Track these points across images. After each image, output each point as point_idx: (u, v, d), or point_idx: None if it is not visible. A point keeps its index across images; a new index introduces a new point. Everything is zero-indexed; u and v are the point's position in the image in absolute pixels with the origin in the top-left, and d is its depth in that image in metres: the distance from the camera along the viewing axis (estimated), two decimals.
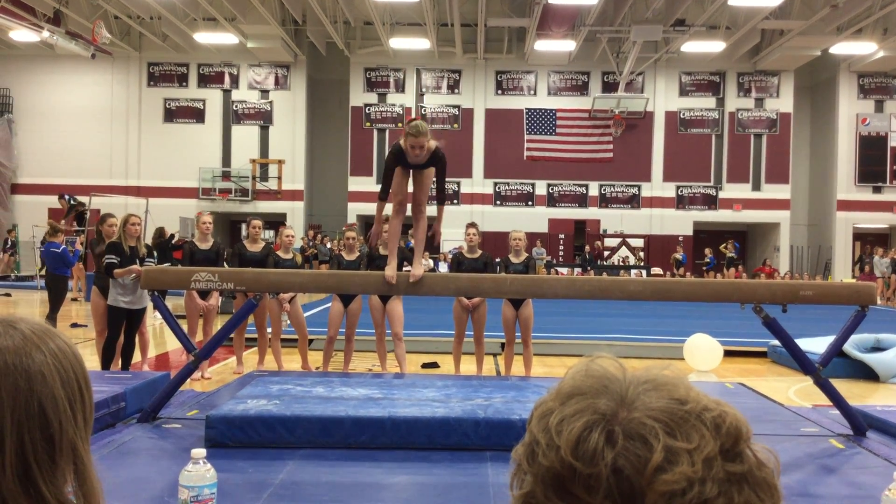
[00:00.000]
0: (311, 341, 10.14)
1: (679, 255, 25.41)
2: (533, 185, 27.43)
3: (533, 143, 27.40)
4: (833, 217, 27.27)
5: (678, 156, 27.30)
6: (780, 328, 5.63)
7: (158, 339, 11.36)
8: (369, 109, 27.52)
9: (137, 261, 7.56)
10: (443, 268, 22.05)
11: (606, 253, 26.86)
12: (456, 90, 27.52)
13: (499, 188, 27.50)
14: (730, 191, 27.43)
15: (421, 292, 6.11)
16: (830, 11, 21.36)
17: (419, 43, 25.08)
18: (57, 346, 0.91)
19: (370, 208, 25.85)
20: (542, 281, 6.45)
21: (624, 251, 27.11)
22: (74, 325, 12.63)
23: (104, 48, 23.24)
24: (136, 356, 8.18)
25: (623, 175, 27.37)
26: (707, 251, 25.50)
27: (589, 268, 24.67)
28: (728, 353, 9.99)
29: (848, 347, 8.80)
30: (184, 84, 27.69)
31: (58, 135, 27.28)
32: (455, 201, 27.33)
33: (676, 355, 9.97)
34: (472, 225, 8.42)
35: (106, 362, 7.65)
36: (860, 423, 5.63)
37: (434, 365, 9.31)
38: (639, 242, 27.27)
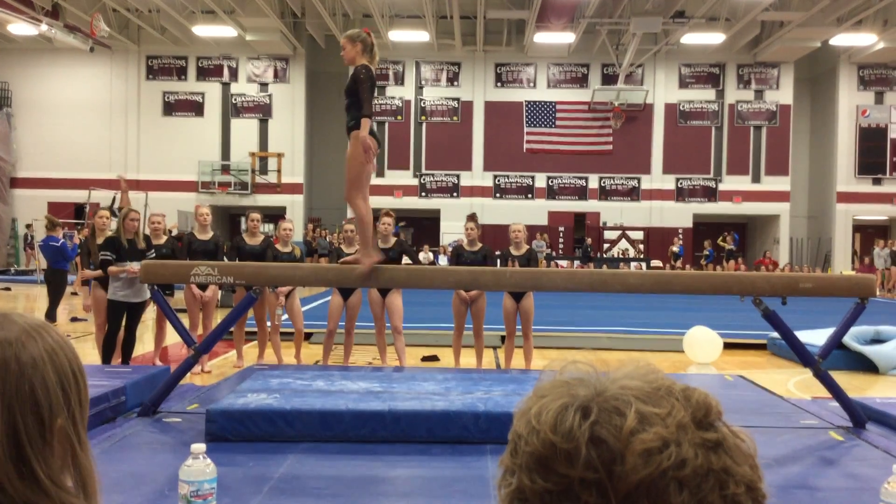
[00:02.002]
0: (310, 335, 10.16)
1: (676, 248, 25.41)
2: (533, 177, 27.42)
3: (532, 135, 27.37)
4: (833, 209, 27.26)
5: (678, 148, 27.27)
6: (779, 320, 5.64)
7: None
8: None
9: (133, 256, 7.53)
10: (442, 261, 22.06)
11: (606, 245, 26.90)
12: (455, 83, 27.47)
13: (498, 181, 27.49)
14: (729, 183, 27.41)
15: (422, 285, 6.11)
16: (830, 3, 21.32)
17: (418, 35, 25.02)
18: (53, 339, 0.94)
19: (370, 201, 25.94)
20: (542, 274, 6.45)
21: (624, 244, 27.13)
22: (74, 320, 12.62)
23: (103, 41, 23.18)
24: (144, 348, 8.18)
25: (623, 167, 27.35)
26: (706, 244, 25.52)
27: (589, 261, 24.69)
28: (728, 346, 10.00)
29: (847, 339, 8.80)
30: (183, 77, 27.64)
31: (56, 128, 27.24)
32: (455, 194, 27.33)
33: (676, 348, 9.98)
34: (472, 218, 8.41)
35: (106, 356, 7.65)
36: (860, 416, 5.63)
37: (434, 358, 9.31)
38: (638, 235, 27.29)
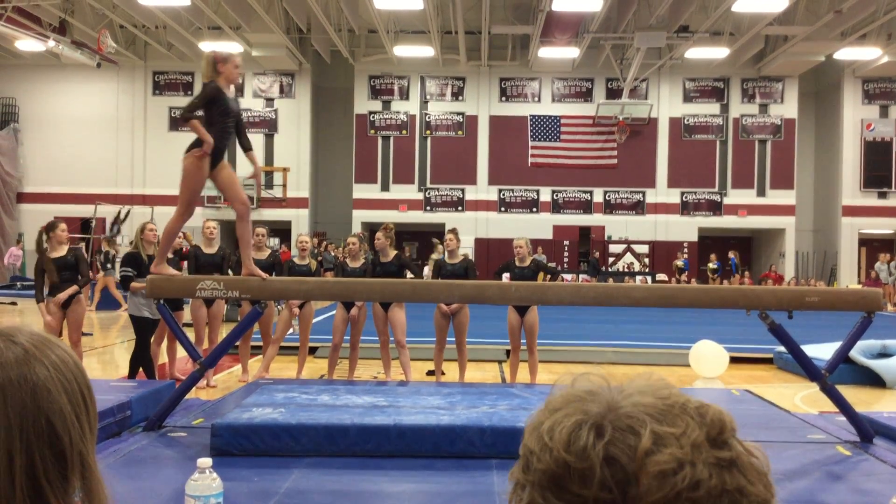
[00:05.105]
0: (315, 349, 10.15)
1: (680, 262, 25.30)
2: (537, 191, 27.44)
3: (537, 149, 27.41)
4: (838, 223, 27.20)
5: (682, 162, 27.28)
6: (785, 334, 5.62)
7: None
8: (374, 117, 27.57)
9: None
10: None
11: (611, 259, 26.88)
12: (460, 97, 27.55)
13: (503, 195, 27.51)
14: (735, 197, 27.39)
15: (427, 299, 6.11)
16: (834, 17, 21.34)
17: (423, 50, 25.13)
18: (58, 356, 0.90)
19: (375, 216, 26.11)
20: (548, 288, 6.45)
21: (629, 257, 27.10)
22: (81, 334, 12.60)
23: (109, 57, 23.32)
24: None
25: (627, 181, 27.36)
26: (712, 257, 25.41)
27: (595, 275, 24.65)
28: (734, 360, 9.96)
29: (854, 354, 8.77)
30: (189, 92, 27.75)
31: (63, 144, 27.36)
32: (460, 208, 27.36)
33: (682, 362, 9.95)
34: (452, 231, 8.45)
35: (133, 372, 7.66)
36: (867, 430, 5.60)
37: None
38: (644, 249, 27.26)
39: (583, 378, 0.79)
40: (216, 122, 5.66)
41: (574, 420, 0.73)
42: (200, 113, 5.65)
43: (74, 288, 7.52)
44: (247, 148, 6.13)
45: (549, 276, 9.21)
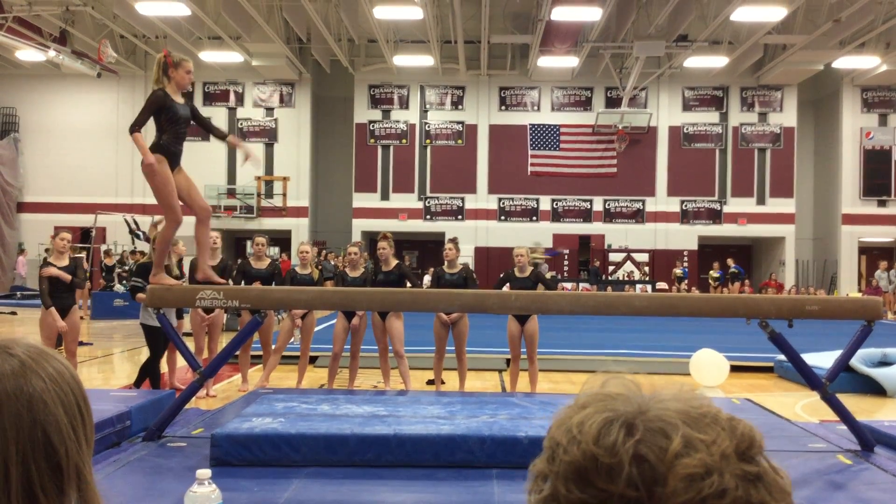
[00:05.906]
0: (315, 358, 10.14)
1: (679, 271, 25.26)
2: (537, 200, 27.46)
3: (537, 158, 27.45)
4: (838, 231, 27.22)
5: (682, 170, 27.31)
6: (786, 343, 5.61)
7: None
8: (373, 126, 27.62)
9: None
10: None
11: (611, 268, 26.88)
12: (460, 106, 27.61)
13: (503, 203, 27.53)
14: (734, 205, 27.41)
15: (427, 308, 6.11)
16: (833, 26, 21.41)
17: (423, 60, 25.19)
18: (54, 368, 0.90)
19: (375, 224, 26.10)
20: (547, 297, 6.44)
21: (629, 266, 27.09)
22: (80, 344, 12.59)
23: (110, 67, 23.37)
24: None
25: (627, 190, 27.38)
26: (715, 266, 25.36)
27: (596, 284, 24.64)
28: (734, 369, 9.95)
29: (855, 362, 8.76)
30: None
31: (63, 153, 27.40)
32: (460, 217, 27.38)
33: (682, 370, 9.93)
34: (451, 240, 8.44)
35: (145, 381, 7.67)
36: (868, 439, 5.59)
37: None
38: (644, 257, 27.25)
39: (614, 380, 0.79)
40: (166, 129, 5.71)
41: (604, 416, 0.73)
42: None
43: (63, 275, 7.55)
44: (223, 135, 6.17)
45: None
